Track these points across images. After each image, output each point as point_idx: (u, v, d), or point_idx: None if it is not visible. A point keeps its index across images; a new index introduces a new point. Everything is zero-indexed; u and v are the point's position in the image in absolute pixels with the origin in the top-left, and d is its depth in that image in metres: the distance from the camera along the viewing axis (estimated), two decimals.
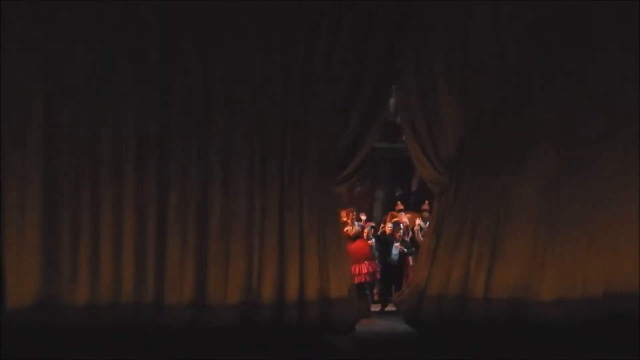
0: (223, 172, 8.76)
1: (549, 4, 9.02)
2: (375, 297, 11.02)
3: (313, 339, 8.98)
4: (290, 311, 8.89)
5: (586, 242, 9.30)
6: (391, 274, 10.91)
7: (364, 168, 9.83)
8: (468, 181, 9.31)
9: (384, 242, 10.94)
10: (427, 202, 11.63)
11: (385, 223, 11.36)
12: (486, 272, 9.18)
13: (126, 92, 8.59)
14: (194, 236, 8.69)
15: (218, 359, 8.12)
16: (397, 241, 10.92)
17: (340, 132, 9.09)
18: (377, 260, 10.66)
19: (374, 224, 11.29)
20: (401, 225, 11.19)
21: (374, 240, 10.78)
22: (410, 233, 11.28)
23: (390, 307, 10.88)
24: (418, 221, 11.44)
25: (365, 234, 10.68)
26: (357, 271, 10.26)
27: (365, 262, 10.38)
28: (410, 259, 11.05)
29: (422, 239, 10.95)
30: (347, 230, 10.66)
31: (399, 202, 12.32)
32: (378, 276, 10.68)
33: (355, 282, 10.32)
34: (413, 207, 12.40)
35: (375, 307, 10.86)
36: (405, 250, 10.98)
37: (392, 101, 10.82)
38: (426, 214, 11.61)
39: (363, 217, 11.54)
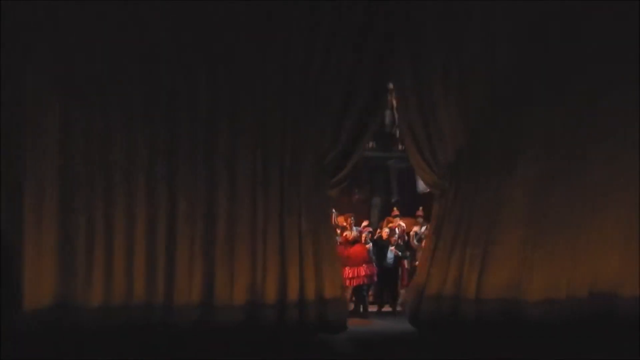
0: (228, 179, 8.90)
1: (544, 6, 9.04)
2: (370, 299, 11.22)
3: (313, 338, 9.11)
4: (292, 311, 9.00)
5: (572, 245, 9.35)
6: (386, 276, 11.14)
7: (361, 176, 9.93)
8: (465, 185, 9.38)
9: (381, 246, 11.15)
10: (421, 208, 11.93)
11: (381, 228, 11.58)
12: (478, 274, 9.23)
13: (136, 104, 8.68)
14: (201, 240, 8.83)
15: (225, 358, 8.23)
16: (393, 245, 11.15)
17: (334, 139, 9.19)
18: (374, 264, 10.91)
19: (371, 229, 11.50)
20: (396, 230, 11.39)
21: (371, 244, 11.02)
22: (406, 237, 11.47)
23: (386, 308, 11.22)
24: (414, 227, 11.68)
25: (363, 239, 10.92)
26: (355, 274, 10.53)
27: (364, 265, 10.66)
28: (406, 262, 11.31)
29: (416, 243, 11.20)
30: (345, 235, 10.93)
31: (394, 208, 12.44)
32: (375, 279, 10.93)
33: (354, 284, 10.67)
34: (408, 213, 12.50)
35: (372, 308, 11.08)
36: (400, 254, 11.19)
37: (387, 112, 11.11)
38: (421, 220, 11.88)
39: (364, 223, 11.62)
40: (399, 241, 11.35)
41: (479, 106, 9.32)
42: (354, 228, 11.12)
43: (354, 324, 9.80)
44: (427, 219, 11.29)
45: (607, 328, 9.20)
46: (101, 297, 8.61)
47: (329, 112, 9.14)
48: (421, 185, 12.38)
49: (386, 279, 11.20)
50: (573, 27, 9.22)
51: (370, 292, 11.25)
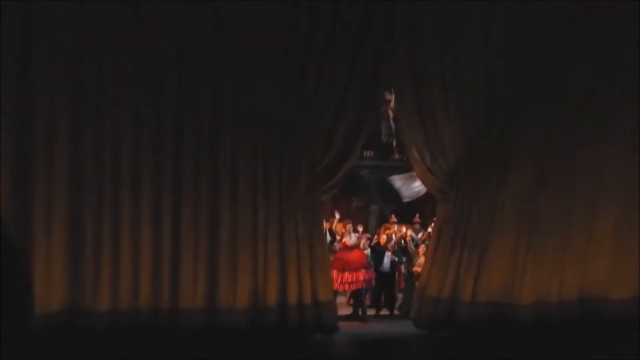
0: (231, 187, 9.07)
1: (544, 6, 9.20)
2: (368, 302, 11.39)
3: (312, 339, 9.33)
4: (292, 314, 9.19)
5: (563, 249, 9.56)
6: (383, 281, 11.35)
7: (356, 184, 10.06)
8: (464, 190, 9.56)
9: (378, 252, 11.36)
10: (418, 215, 12.26)
11: (379, 235, 11.78)
12: (474, 278, 9.41)
13: (144, 116, 8.81)
14: (205, 246, 9.00)
15: (228, 359, 8.39)
16: (389, 251, 11.37)
17: (327, 147, 9.36)
18: (372, 269, 11.08)
19: (369, 235, 11.70)
20: (393, 236, 11.60)
21: (369, 250, 11.24)
22: (403, 243, 11.71)
23: (384, 311, 11.44)
24: (410, 232, 11.93)
25: (361, 245, 11.12)
26: (354, 278, 10.70)
27: (362, 270, 10.80)
28: (402, 267, 11.55)
29: (413, 249, 11.58)
30: (344, 241, 11.13)
31: (392, 215, 12.65)
32: (373, 283, 11.12)
33: (353, 289, 10.89)
34: (405, 220, 12.73)
35: (371, 312, 11.29)
36: (396, 259, 11.43)
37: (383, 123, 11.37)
38: (417, 226, 12.19)
39: (360, 229, 11.81)
40: (396, 247, 11.57)
41: (478, 107, 9.48)
42: (353, 234, 11.32)
43: (353, 327, 10.04)
44: (423, 225, 11.57)
45: (596, 330, 9.43)
46: (109, 301, 8.75)
47: (324, 115, 9.28)
48: (405, 195, 12.59)
49: (383, 284, 11.40)
50: (572, 29, 9.36)
51: (367, 296, 11.43)
